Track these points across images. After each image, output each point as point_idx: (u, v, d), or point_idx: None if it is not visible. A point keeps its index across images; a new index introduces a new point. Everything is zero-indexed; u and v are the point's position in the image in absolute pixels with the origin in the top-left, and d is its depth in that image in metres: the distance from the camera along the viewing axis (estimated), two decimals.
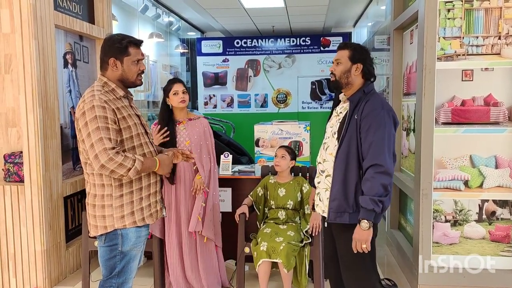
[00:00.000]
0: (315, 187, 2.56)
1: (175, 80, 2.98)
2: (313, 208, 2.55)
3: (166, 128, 2.89)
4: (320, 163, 2.34)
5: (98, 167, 1.92)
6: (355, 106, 2.18)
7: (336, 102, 2.41)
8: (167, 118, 2.96)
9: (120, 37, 2.09)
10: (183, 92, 2.92)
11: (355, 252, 2.14)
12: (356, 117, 2.15)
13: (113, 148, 1.92)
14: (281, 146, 3.15)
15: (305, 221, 2.96)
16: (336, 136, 2.23)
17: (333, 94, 7.07)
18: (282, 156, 3.03)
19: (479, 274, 2.98)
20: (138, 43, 2.11)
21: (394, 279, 3.29)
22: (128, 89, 2.18)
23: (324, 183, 2.30)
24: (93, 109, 1.94)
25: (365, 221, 2.06)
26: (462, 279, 2.99)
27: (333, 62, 2.29)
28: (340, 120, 2.26)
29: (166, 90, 2.95)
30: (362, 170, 2.14)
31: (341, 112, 2.30)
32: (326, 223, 2.34)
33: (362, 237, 2.08)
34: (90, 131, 1.93)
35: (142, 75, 2.15)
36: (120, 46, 2.05)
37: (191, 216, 2.93)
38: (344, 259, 2.28)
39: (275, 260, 2.75)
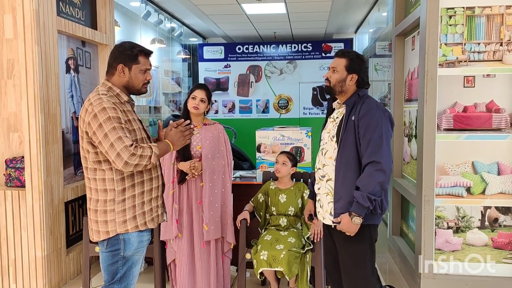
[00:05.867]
0: (311, 198, 2.57)
1: (199, 86, 2.99)
2: (309, 219, 2.58)
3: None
4: (319, 168, 2.36)
5: (122, 165, 1.92)
6: (351, 108, 2.25)
7: (330, 111, 2.45)
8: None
9: (132, 45, 2.12)
10: (201, 100, 2.90)
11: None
12: (353, 119, 2.21)
13: (132, 144, 1.95)
14: (282, 152, 3.14)
15: (306, 228, 2.95)
16: (335, 139, 2.28)
17: None
18: (283, 163, 3.02)
19: (482, 281, 2.96)
20: (148, 53, 2.14)
21: (396, 286, 3.27)
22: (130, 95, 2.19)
23: (325, 188, 2.31)
24: (105, 110, 1.95)
25: (357, 216, 2.14)
26: (465, 286, 2.97)
27: (329, 68, 2.33)
28: (337, 124, 2.30)
29: (189, 92, 2.98)
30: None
31: (337, 117, 2.35)
32: (332, 225, 2.33)
33: (350, 229, 2.17)
34: (107, 132, 1.93)
35: (148, 84, 2.17)
36: (131, 54, 2.08)
37: (201, 223, 2.91)
38: (345, 262, 2.30)
39: (276, 269, 2.74)
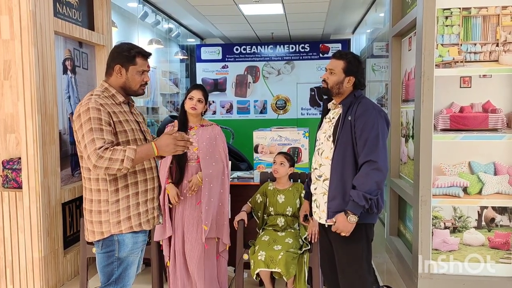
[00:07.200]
0: (306, 199, 2.58)
1: (196, 86, 2.99)
2: (304, 220, 2.58)
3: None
4: (316, 168, 2.37)
5: (91, 167, 1.92)
6: (348, 109, 2.27)
7: (325, 111, 2.47)
8: (181, 121, 2.97)
9: (130, 46, 2.12)
10: (198, 100, 2.90)
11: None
12: (349, 119, 2.23)
13: (101, 147, 1.90)
14: (279, 153, 3.15)
15: (304, 228, 2.95)
16: (331, 139, 2.29)
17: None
18: (281, 163, 3.02)
19: (478, 281, 2.96)
20: (146, 55, 2.14)
21: (394, 286, 3.28)
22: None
23: (321, 188, 2.32)
24: (88, 111, 1.96)
25: (353, 215, 2.15)
26: (462, 286, 2.98)
27: (326, 69, 2.34)
28: (333, 124, 2.32)
29: (186, 93, 2.98)
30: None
31: (333, 117, 2.36)
32: (326, 224, 2.33)
33: (346, 228, 2.18)
34: (84, 133, 1.94)
35: (145, 86, 2.16)
36: (128, 55, 2.08)
37: (196, 224, 2.91)
38: (341, 261, 2.30)
39: (274, 270, 2.74)
